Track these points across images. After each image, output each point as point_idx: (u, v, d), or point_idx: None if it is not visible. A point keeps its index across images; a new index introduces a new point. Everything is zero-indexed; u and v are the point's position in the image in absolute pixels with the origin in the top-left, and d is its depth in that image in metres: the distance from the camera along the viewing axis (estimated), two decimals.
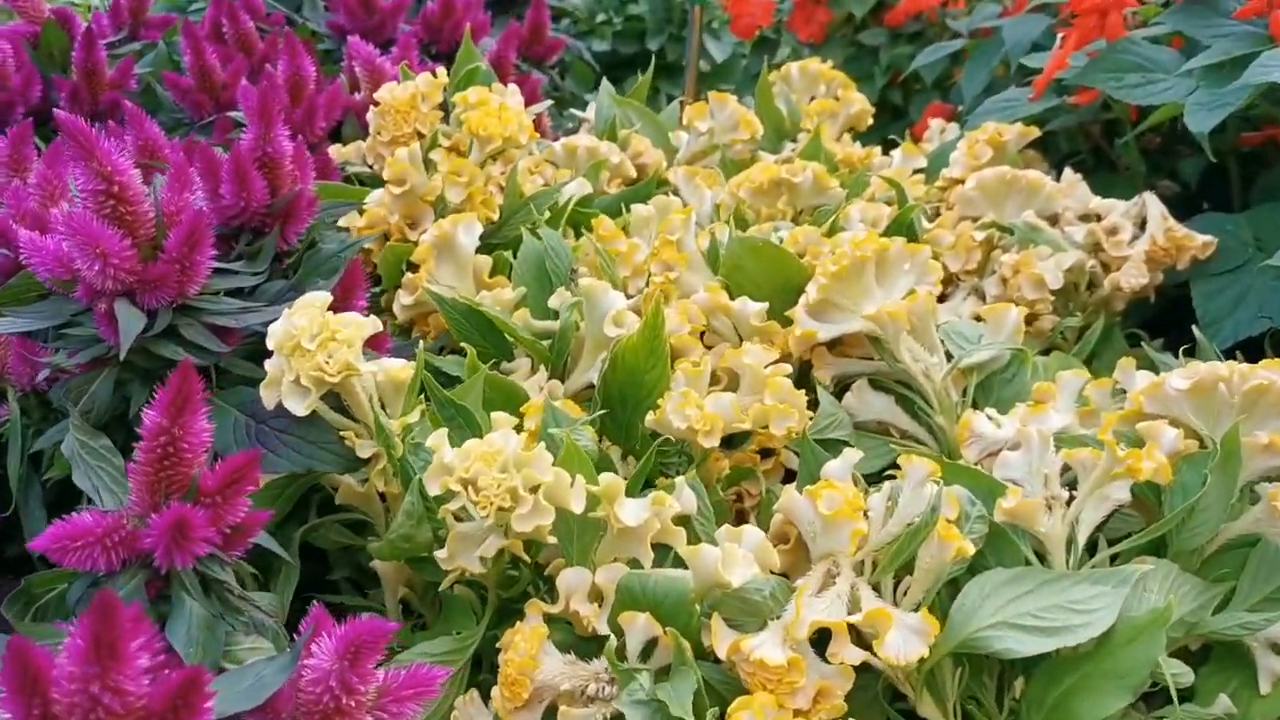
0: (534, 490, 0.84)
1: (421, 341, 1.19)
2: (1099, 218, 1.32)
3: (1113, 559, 0.94)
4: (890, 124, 2.21)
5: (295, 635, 0.73)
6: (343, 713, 0.71)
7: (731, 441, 1.12)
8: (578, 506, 0.85)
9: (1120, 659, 0.86)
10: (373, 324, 0.93)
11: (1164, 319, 1.40)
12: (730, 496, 1.08)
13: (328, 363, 0.87)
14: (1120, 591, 0.88)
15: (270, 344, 0.89)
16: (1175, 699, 0.84)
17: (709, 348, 1.14)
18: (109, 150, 0.85)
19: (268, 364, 0.90)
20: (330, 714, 0.71)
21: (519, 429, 1.01)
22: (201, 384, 0.73)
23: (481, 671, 0.97)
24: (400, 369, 0.96)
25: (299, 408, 0.89)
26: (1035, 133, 1.46)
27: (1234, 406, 0.98)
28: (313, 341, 0.88)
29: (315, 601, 0.73)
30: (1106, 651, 0.87)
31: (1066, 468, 0.97)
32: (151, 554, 0.72)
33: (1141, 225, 1.32)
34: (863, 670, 0.86)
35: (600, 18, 2.75)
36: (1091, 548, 0.96)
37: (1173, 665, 0.90)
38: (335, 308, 1.00)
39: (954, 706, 0.90)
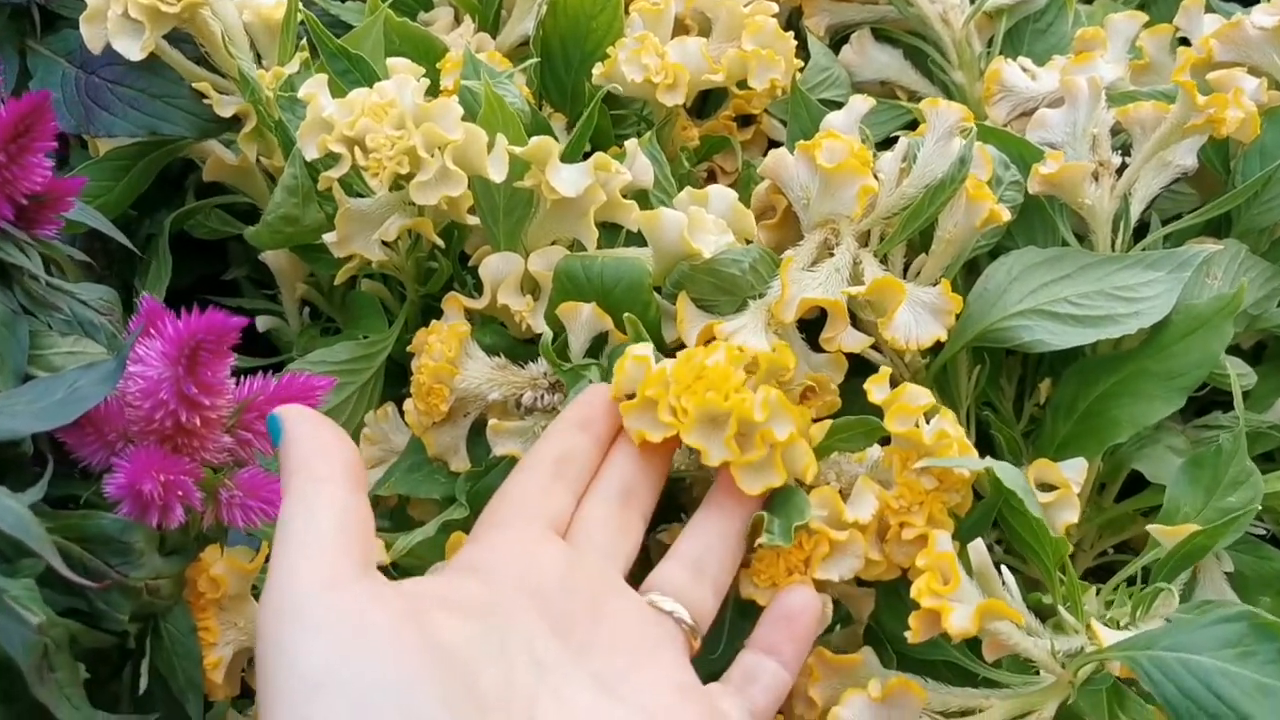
0: (439, 151, 0.65)
1: None
2: None
3: (1165, 241, 0.77)
4: None
5: None
6: (188, 432, 0.55)
7: (703, 109, 0.93)
8: (497, 173, 0.66)
9: (1173, 356, 0.70)
10: None
11: None
12: (701, 173, 0.89)
13: None
14: (1179, 276, 0.70)
15: None
16: (1240, 402, 0.68)
17: None
18: None
19: None
20: (171, 435, 0.55)
21: (434, 90, 0.80)
22: None
23: (403, 386, 0.81)
24: (272, 6, 0.74)
25: (133, 49, 0.68)
26: None
27: None
28: None
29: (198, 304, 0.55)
30: (1157, 347, 0.70)
31: (1114, 131, 0.78)
32: None
33: None
34: (857, 371, 0.70)
35: None
36: (1141, 229, 0.78)
37: (1233, 364, 0.74)
38: None
39: (967, 411, 0.75)
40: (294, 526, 0.48)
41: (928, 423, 0.59)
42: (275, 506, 0.57)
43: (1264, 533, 0.78)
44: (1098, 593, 0.70)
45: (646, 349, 0.60)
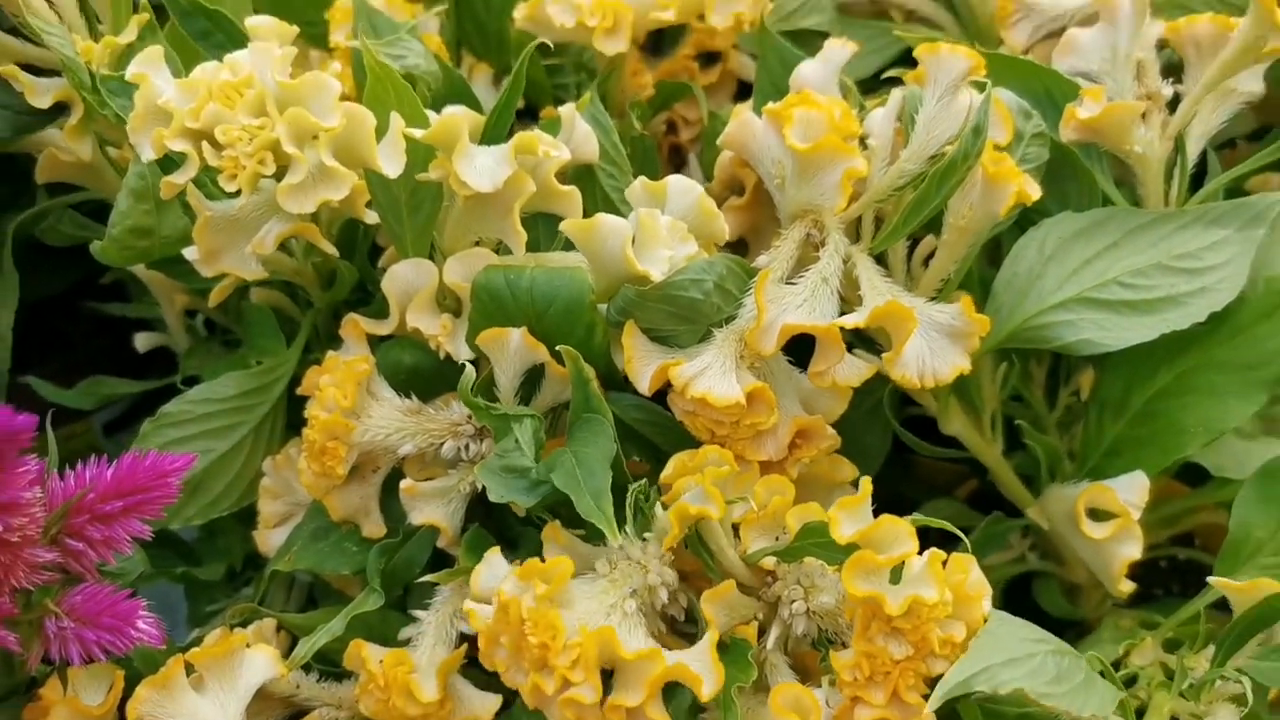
0: (311, 142, 0.50)
1: None
2: None
3: (1229, 193, 0.62)
4: None
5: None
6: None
7: (659, 46, 0.77)
8: (392, 166, 0.51)
9: (1251, 340, 0.57)
10: None
11: None
12: (659, 126, 0.74)
13: None
14: (1252, 235, 0.57)
15: None
16: None
17: None
18: None
19: None
20: None
21: (319, 44, 0.65)
22: None
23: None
24: None
25: None
26: None
27: None
28: None
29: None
30: (1232, 329, 0.57)
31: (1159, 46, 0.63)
32: None
33: None
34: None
35: None
36: (1199, 176, 0.64)
37: None
38: None
39: (993, 416, 0.62)
40: None
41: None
42: (126, 629, 0.44)
43: None
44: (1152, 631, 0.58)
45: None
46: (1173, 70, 0.63)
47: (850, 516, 0.44)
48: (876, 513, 0.46)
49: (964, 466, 0.73)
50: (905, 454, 0.67)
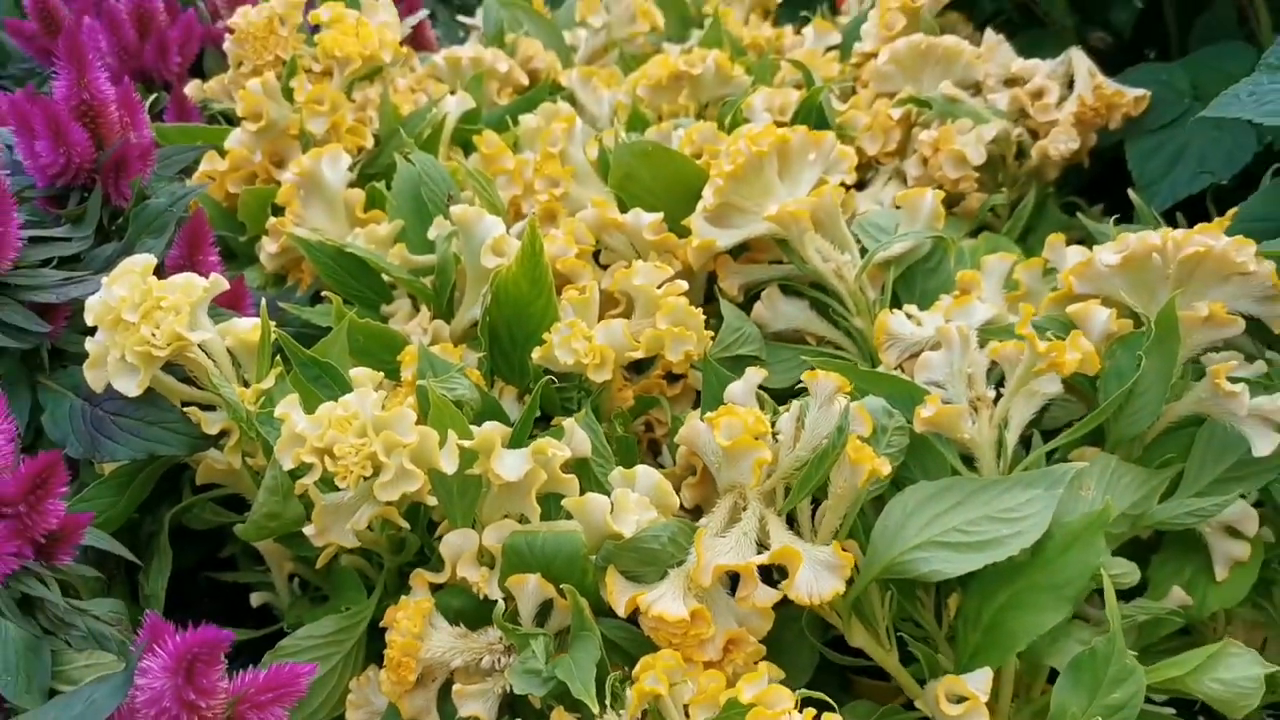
0: (397, 453, 0.75)
1: (295, 291, 1.09)
2: (1023, 81, 1.22)
3: (1049, 457, 0.87)
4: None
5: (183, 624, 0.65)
6: None
7: (640, 366, 1.04)
8: (449, 466, 0.76)
9: (1057, 568, 0.79)
10: (211, 284, 0.84)
11: (1103, 182, 1.31)
12: (639, 427, 1.00)
13: (154, 335, 0.78)
14: (1054, 494, 0.80)
15: (89, 319, 0.80)
16: (1112, 605, 0.76)
17: (605, 268, 1.04)
18: None
19: (89, 342, 0.80)
20: None
21: (394, 377, 0.92)
22: None
23: (383, 646, 0.89)
24: (249, 330, 0.86)
25: (130, 386, 0.79)
26: None
27: (1169, 278, 0.89)
28: (135, 312, 0.78)
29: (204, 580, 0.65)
30: (1042, 561, 0.80)
31: (996, 363, 0.89)
32: None
33: (1069, 85, 1.22)
34: (785, 603, 0.79)
35: None
36: (1027, 444, 0.89)
37: (1116, 564, 0.83)
38: (180, 267, 0.90)
39: (887, 631, 0.84)
40: None
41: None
42: None
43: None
44: None
45: None
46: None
47: (751, 686, 0.66)
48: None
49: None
50: (845, 672, 0.88)
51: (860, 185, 1.22)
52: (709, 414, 0.81)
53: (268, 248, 1.11)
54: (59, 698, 0.65)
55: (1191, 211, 1.15)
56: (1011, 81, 1.24)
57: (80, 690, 0.65)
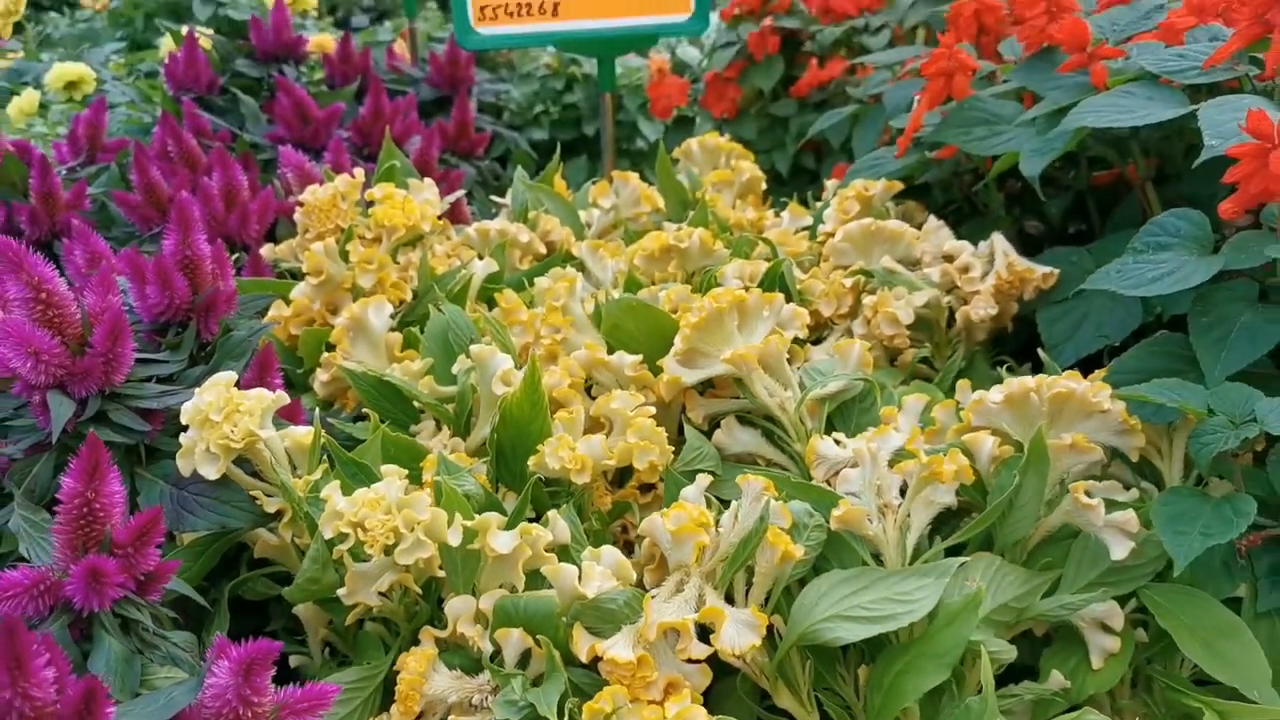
0: (415, 528, 0.97)
1: (341, 412, 1.33)
2: (953, 258, 1.46)
3: (948, 555, 1.07)
4: (806, 186, 2.37)
5: None
6: None
7: (621, 479, 1.26)
8: (454, 539, 0.97)
9: (939, 640, 0.98)
10: (276, 398, 1.07)
11: (1029, 345, 1.53)
12: (617, 528, 1.20)
13: (232, 431, 1.01)
14: (941, 582, 1.00)
15: (184, 419, 1.03)
16: (987, 673, 0.94)
17: (595, 398, 1.27)
18: (35, 262, 0.99)
19: (183, 436, 1.03)
20: None
21: (417, 480, 1.14)
22: (108, 453, 0.86)
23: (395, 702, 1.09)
24: (304, 434, 1.09)
25: (211, 472, 1.02)
26: (899, 186, 1.61)
27: (1043, 413, 1.11)
28: (219, 414, 1.01)
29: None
30: (929, 635, 0.99)
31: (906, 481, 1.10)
32: (73, 600, 0.85)
33: (991, 262, 1.46)
34: (729, 672, 0.99)
35: (538, 108, 2.93)
36: (931, 544, 1.08)
37: (995, 644, 1.01)
38: (250, 386, 1.13)
39: (808, 695, 1.02)
40: None
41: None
42: None
43: None
44: None
45: None
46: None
47: (675, 704, 0.85)
48: None
49: None
50: None
51: (818, 341, 1.45)
52: (664, 510, 1.02)
53: (320, 377, 1.35)
54: (144, 696, 0.85)
55: (1091, 368, 1.37)
56: (945, 258, 1.48)
57: (162, 690, 0.85)
